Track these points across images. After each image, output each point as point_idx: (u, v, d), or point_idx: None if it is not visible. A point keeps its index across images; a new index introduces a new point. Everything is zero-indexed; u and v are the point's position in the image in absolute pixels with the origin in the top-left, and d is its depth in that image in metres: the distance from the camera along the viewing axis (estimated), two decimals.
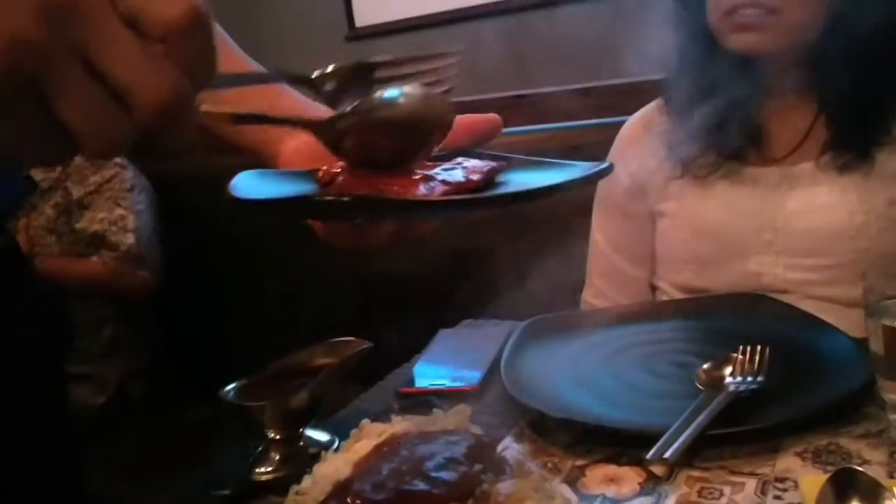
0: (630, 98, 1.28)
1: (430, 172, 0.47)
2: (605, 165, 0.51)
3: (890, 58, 1.01)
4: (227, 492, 0.60)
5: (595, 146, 1.25)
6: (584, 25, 1.79)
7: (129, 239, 1.75)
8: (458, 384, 0.79)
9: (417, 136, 0.47)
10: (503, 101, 1.92)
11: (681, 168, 1.11)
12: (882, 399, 0.62)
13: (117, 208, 1.76)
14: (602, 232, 1.25)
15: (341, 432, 0.65)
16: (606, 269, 1.25)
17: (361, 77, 0.50)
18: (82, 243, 1.77)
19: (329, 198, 0.45)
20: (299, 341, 1.78)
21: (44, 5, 0.31)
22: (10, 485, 0.67)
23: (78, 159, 1.77)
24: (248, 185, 0.47)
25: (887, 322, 0.60)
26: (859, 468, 0.55)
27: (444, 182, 0.46)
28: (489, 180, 0.49)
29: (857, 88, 1.02)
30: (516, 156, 0.54)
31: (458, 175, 0.47)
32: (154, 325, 1.94)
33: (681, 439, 0.59)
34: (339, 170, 0.48)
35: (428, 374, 0.84)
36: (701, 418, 0.62)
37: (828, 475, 0.51)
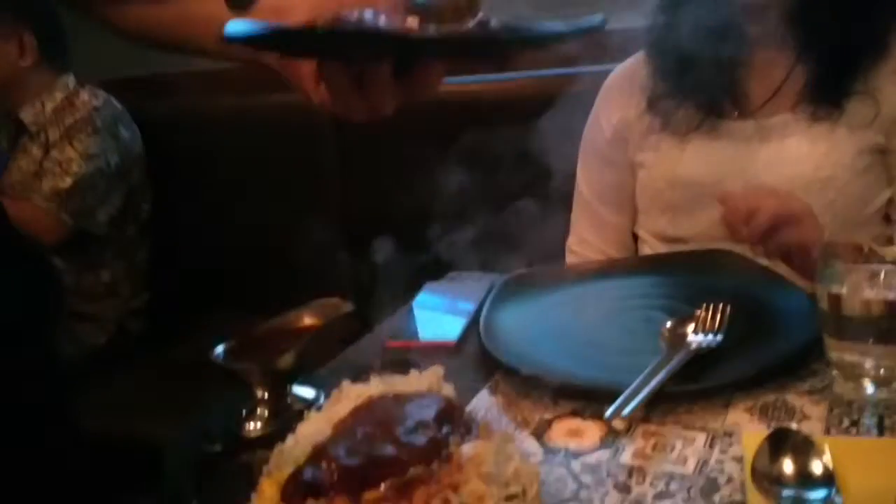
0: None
1: None
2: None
3: (868, 8, 1.03)
4: (217, 447, 0.66)
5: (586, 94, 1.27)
6: None
7: (66, 183, 1.73)
8: (439, 338, 0.84)
9: None
10: None
11: (660, 123, 1.14)
12: (828, 356, 0.67)
13: (70, 149, 1.75)
14: (586, 181, 1.28)
15: (327, 387, 0.70)
16: (589, 216, 1.28)
17: None
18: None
19: (323, 29, 0.48)
20: (292, 278, 1.81)
21: None
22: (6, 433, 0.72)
23: (58, 103, 1.78)
24: (240, 26, 0.50)
25: (832, 289, 0.64)
26: (795, 426, 0.60)
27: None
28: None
29: (833, 38, 1.04)
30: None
31: None
32: (151, 264, 1.98)
33: (639, 397, 0.64)
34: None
35: (412, 327, 0.89)
36: (660, 376, 0.66)
37: (770, 430, 0.56)
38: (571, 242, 1.32)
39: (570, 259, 1.33)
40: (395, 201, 1.74)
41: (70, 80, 1.82)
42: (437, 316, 0.90)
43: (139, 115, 1.93)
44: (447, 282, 1.02)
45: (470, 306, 0.91)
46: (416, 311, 0.93)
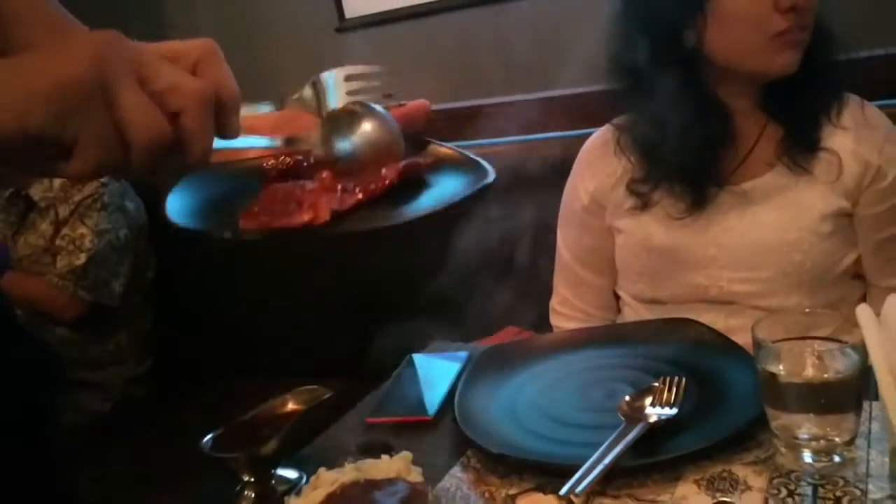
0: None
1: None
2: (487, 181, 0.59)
3: (832, 78, 1.10)
4: None
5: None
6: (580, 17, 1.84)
7: (80, 259, 1.81)
8: (417, 414, 0.90)
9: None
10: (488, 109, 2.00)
11: (640, 204, 1.18)
12: (770, 426, 0.72)
13: (81, 226, 1.84)
14: (565, 244, 1.34)
15: (310, 468, 0.75)
16: (571, 279, 1.34)
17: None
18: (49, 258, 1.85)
19: (228, 235, 0.56)
20: (293, 344, 1.87)
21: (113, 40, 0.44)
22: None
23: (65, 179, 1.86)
24: (178, 204, 0.59)
25: (769, 367, 0.69)
26: (736, 498, 0.65)
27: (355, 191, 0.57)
28: (410, 175, 0.59)
29: (803, 105, 1.10)
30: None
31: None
32: (154, 333, 2.05)
33: (593, 473, 0.69)
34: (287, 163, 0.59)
35: (392, 402, 0.94)
36: (615, 451, 0.72)
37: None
38: (554, 303, 1.37)
39: (553, 319, 1.38)
40: (390, 269, 1.81)
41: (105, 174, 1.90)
42: (417, 390, 0.95)
43: (140, 185, 2.01)
44: (429, 352, 1.07)
45: (449, 379, 0.96)
46: (397, 385, 0.98)
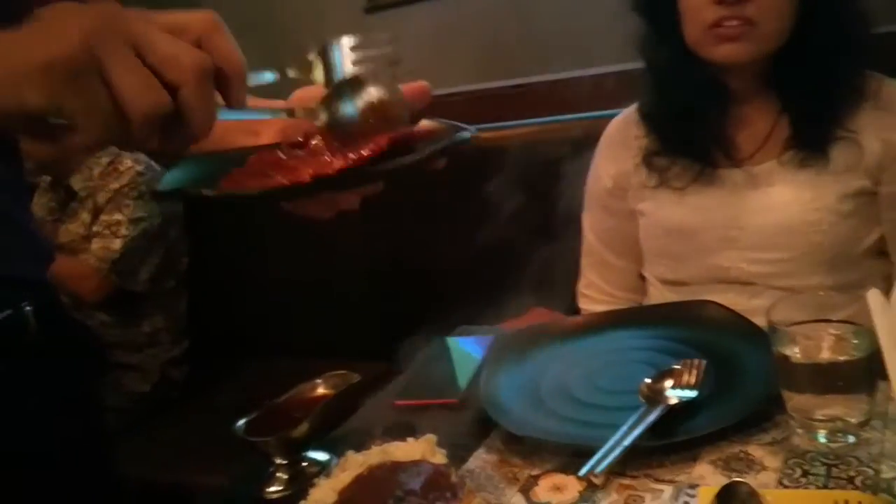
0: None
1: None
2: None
3: (843, 58, 1.09)
4: None
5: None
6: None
7: (115, 245, 1.88)
8: (443, 396, 0.92)
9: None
10: (503, 91, 2.00)
11: (656, 179, 1.20)
12: (786, 407, 0.73)
13: (118, 213, 1.90)
14: (591, 227, 1.36)
15: (340, 450, 0.79)
16: (596, 261, 1.36)
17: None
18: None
19: (207, 193, 0.55)
20: (323, 327, 1.91)
21: (109, 14, 0.44)
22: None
23: (104, 167, 1.92)
24: (173, 176, 0.59)
25: (783, 349, 0.71)
26: (751, 479, 0.67)
27: (344, 156, 0.55)
28: (400, 143, 0.57)
29: (814, 87, 1.10)
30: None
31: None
32: (189, 314, 2.11)
33: (613, 453, 0.71)
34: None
35: (419, 384, 0.97)
36: (635, 432, 0.74)
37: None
38: (581, 286, 1.39)
39: (580, 302, 1.40)
40: (417, 250, 1.84)
41: (112, 146, 1.96)
42: (443, 372, 0.98)
43: None
44: (456, 335, 1.10)
45: (475, 362, 0.99)
46: (424, 368, 1.01)
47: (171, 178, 0.59)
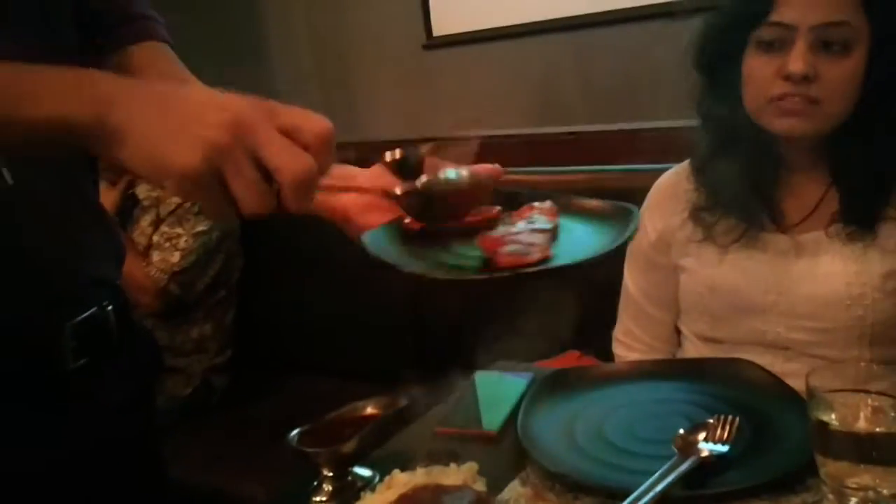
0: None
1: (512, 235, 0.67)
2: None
3: (893, 138, 1.11)
4: None
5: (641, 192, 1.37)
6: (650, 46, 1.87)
7: (175, 258, 1.95)
8: (483, 427, 0.96)
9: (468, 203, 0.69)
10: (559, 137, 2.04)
11: (702, 233, 1.23)
12: (820, 473, 0.75)
13: (178, 227, 1.98)
14: (632, 278, 1.38)
15: (383, 468, 0.83)
16: (635, 311, 1.38)
17: None
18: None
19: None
20: (361, 352, 1.95)
21: (230, 124, 0.53)
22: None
23: None
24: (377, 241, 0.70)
25: (821, 416, 0.73)
26: None
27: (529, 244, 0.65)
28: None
29: (869, 166, 1.12)
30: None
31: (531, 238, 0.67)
32: (236, 323, 2.17)
33: (645, 499, 0.74)
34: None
35: (460, 414, 1.01)
36: (667, 481, 0.76)
37: None
38: (618, 332, 1.42)
39: (616, 348, 1.42)
40: (462, 285, 1.87)
41: None
42: (481, 405, 1.02)
43: None
44: (495, 370, 1.14)
45: (514, 397, 1.02)
46: (465, 399, 1.05)
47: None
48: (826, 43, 1.05)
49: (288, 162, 0.54)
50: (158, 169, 0.53)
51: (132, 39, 0.86)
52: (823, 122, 1.09)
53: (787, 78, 1.06)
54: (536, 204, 0.76)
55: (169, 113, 0.54)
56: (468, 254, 0.67)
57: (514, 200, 0.77)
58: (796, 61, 1.04)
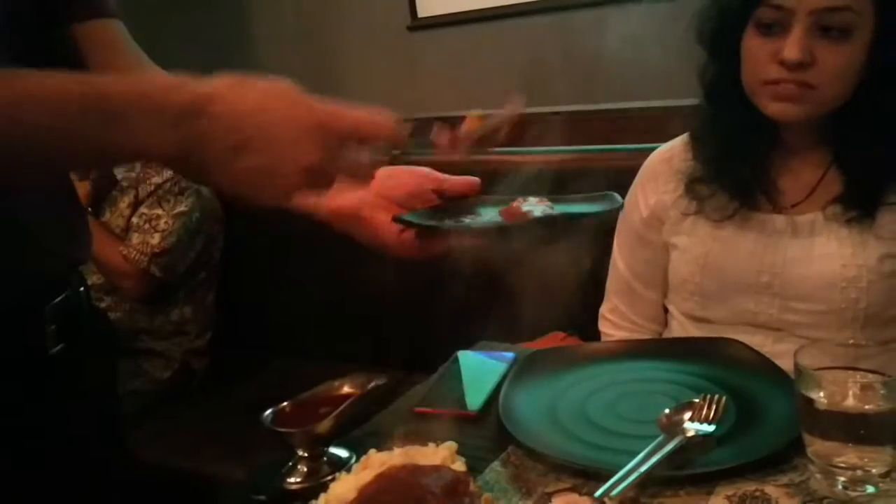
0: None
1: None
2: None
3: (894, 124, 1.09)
4: (263, 497, 0.77)
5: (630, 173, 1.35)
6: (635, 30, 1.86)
7: (154, 239, 1.90)
8: (462, 408, 0.94)
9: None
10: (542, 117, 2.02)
11: (696, 206, 1.21)
12: (807, 452, 0.74)
13: (158, 208, 1.93)
14: (621, 255, 1.36)
15: (360, 449, 0.81)
16: (623, 289, 1.36)
17: None
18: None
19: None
20: (342, 335, 1.93)
21: (309, 170, 0.60)
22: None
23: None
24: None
25: (808, 393, 0.71)
26: None
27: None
28: None
29: (871, 150, 1.09)
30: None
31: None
32: (216, 308, 2.14)
33: (629, 479, 0.72)
34: None
35: (440, 395, 0.99)
36: (652, 461, 0.75)
37: None
38: (605, 310, 1.40)
39: (602, 325, 1.40)
40: (444, 265, 1.85)
41: None
42: (463, 385, 0.99)
43: None
44: (477, 350, 1.11)
45: (495, 378, 1.00)
46: (445, 380, 1.02)
47: None
48: (825, 27, 1.02)
49: (356, 171, 0.65)
50: (255, 198, 0.60)
51: (87, 14, 0.83)
52: (818, 107, 1.07)
53: (783, 63, 1.03)
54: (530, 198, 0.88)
55: (259, 151, 0.58)
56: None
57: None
58: (792, 48, 1.02)
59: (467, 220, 0.84)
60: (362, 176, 0.67)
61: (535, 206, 0.85)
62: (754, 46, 1.08)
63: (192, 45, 2.30)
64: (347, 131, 0.62)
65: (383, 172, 0.87)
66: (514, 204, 0.86)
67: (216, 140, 0.58)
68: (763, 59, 1.06)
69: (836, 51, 1.02)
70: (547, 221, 0.81)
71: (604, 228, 1.36)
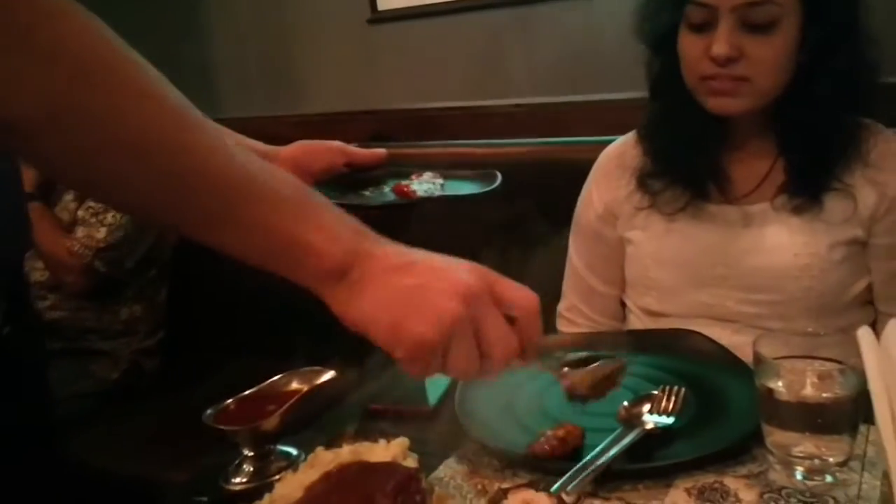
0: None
1: None
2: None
3: (843, 110, 1.10)
4: (205, 499, 0.73)
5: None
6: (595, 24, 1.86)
7: (100, 233, 1.84)
8: (418, 403, 0.91)
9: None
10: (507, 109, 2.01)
11: (648, 201, 1.20)
12: (766, 442, 0.72)
13: None
14: (577, 252, 1.35)
15: (309, 447, 0.77)
16: (579, 285, 1.35)
17: None
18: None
19: None
20: (302, 330, 1.88)
21: (465, 296, 0.55)
22: None
23: None
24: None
25: (767, 382, 0.70)
26: None
27: None
28: None
29: (811, 138, 1.10)
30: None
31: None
32: (167, 307, 2.07)
33: (584, 473, 0.70)
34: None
35: (394, 390, 0.95)
36: (609, 454, 0.73)
37: None
38: (562, 308, 1.38)
39: (560, 324, 1.39)
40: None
41: None
42: (418, 381, 0.96)
43: None
44: None
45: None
46: (399, 375, 0.99)
47: None
48: (750, 22, 1.04)
49: (500, 340, 0.57)
50: (394, 334, 0.55)
51: None
52: (756, 99, 1.08)
53: (714, 59, 1.05)
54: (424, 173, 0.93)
55: (419, 274, 0.56)
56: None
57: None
58: (719, 43, 1.03)
59: (368, 192, 0.87)
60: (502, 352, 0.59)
61: (423, 184, 0.88)
62: (688, 44, 1.10)
63: (145, 35, 2.23)
64: (508, 297, 0.58)
65: (300, 147, 0.90)
66: (405, 181, 0.89)
67: (382, 258, 0.58)
68: (696, 55, 1.07)
69: (764, 42, 1.04)
70: (430, 201, 0.86)
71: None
